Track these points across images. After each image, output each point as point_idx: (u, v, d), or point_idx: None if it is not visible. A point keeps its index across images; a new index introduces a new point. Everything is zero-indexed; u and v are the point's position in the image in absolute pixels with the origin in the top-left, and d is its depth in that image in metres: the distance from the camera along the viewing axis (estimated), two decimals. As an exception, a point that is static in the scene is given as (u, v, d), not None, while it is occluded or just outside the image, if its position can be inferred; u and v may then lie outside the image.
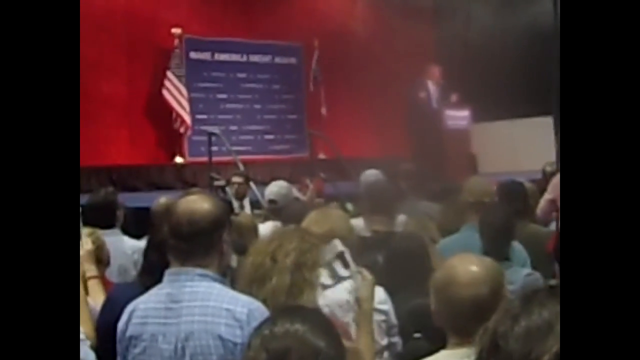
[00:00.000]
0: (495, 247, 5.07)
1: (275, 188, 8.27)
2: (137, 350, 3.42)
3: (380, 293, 4.36)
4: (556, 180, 7.43)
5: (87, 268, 4.92)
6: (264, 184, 10.95)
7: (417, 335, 4.35)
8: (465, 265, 3.16)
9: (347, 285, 4.10)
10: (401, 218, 6.28)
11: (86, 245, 5.01)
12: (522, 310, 1.51)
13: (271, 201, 8.11)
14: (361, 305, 4.03)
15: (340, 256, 4.17)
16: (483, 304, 2.97)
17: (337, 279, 4.14)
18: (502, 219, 5.36)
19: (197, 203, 3.46)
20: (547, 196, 7.33)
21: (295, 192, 9.29)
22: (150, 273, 4.03)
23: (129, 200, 9.57)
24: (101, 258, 5.26)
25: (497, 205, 6.07)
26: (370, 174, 9.23)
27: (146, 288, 3.61)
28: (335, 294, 4.11)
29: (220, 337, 3.26)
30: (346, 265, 4.17)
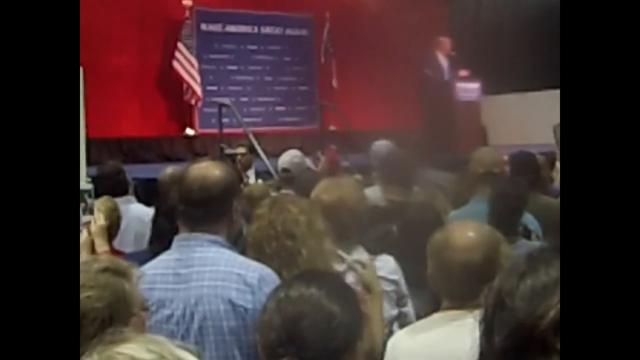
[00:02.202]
0: (505, 222, 4.90)
1: (289, 157, 8.27)
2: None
3: (390, 263, 4.36)
4: None
5: (99, 244, 4.87)
6: (274, 155, 10.96)
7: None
8: (461, 231, 3.22)
9: (350, 278, 4.08)
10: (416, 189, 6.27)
11: (99, 220, 4.96)
12: (527, 269, 1.50)
13: (284, 170, 8.11)
14: (372, 290, 4.04)
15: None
16: (475, 270, 3.02)
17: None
18: (515, 193, 5.31)
19: (209, 170, 3.45)
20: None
21: (309, 163, 9.30)
22: (160, 240, 4.04)
23: (140, 171, 9.61)
24: (112, 232, 5.27)
25: (510, 178, 6.03)
26: (381, 144, 9.20)
27: (156, 255, 3.62)
28: None
29: (231, 302, 3.25)
30: (341, 259, 4.16)
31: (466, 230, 3.21)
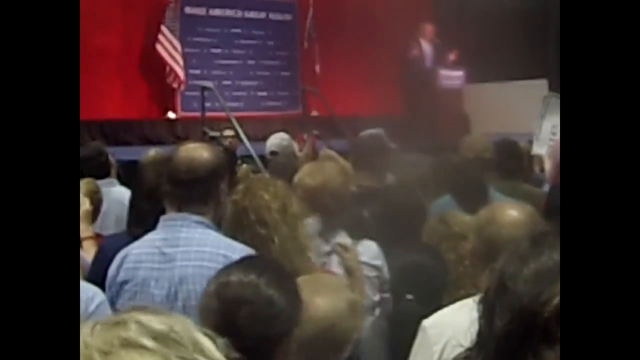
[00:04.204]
0: (469, 204, 4.80)
1: (277, 140, 8.28)
2: (127, 295, 3.41)
3: (373, 248, 4.35)
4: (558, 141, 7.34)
5: (83, 228, 4.80)
6: (256, 140, 10.94)
7: (409, 296, 4.33)
8: (506, 208, 3.27)
9: (334, 259, 4.09)
10: (390, 174, 6.27)
11: (83, 205, 4.91)
12: (531, 252, 1.49)
13: (272, 152, 8.11)
14: (352, 272, 4.04)
15: (319, 233, 4.17)
16: None
17: (323, 255, 4.12)
18: (471, 175, 5.36)
19: (197, 151, 3.46)
20: (554, 156, 7.23)
21: (294, 147, 9.30)
22: (139, 223, 4.02)
23: (121, 153, 9.57)
24: (94, 215, 5.23)
25: (465, 162, 6.04)
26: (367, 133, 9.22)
27: (134, 238, 3.61)
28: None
29: None
30: (327, 239, 4.17)
31: (511, 208, 3.26)
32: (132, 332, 1.14)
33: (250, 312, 2.27)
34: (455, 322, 2.91)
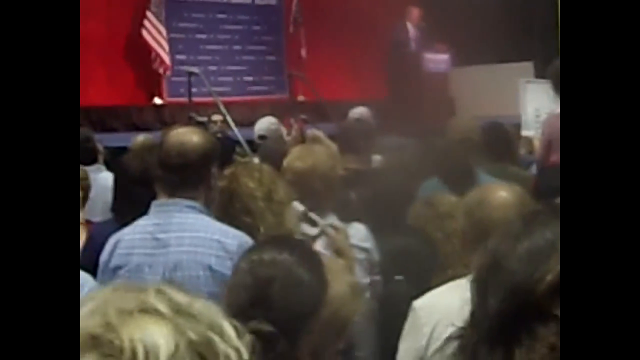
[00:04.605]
0: (456, 186, 4.83)
1: (265, 124, 8.28)
2: (120, 281, 3.40)
3: (362, 230, 4.36)
4: (550, 119, 7.35)
5: None
6: (242, 125, 10.92)
7: (398, 277, 4.36)
8: (495, 190, 3.29)
9: (320, 243, 4.11)
10: (376, 157, 6.29)
11: None
12: (523, 231, 1.49)
13: (261, 137, 8.11)
14: (343, 254, 4.06)
15: (305, 216, 4.17)
16: None
17: (310, 239, 4.13)
18: (458, 157, 5.38)
19: (187, 135, 3.46)
20: (542, 137, 7.24)
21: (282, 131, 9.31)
22: (128, 209, 4.01)
23: (108, 140, 9.56)
24: (84, 203, 5.24)
25: (452, 144, 6.05)
26: (355, 112, 9.23)
27: (124, 224, 3.61)
28: None
29: (211, 268, 3.27)
30: (313, 223, 4.18)
31: (501, 189, 3.27)
32: (151, 298, 1.14)
33: (281, 289, 2.34)
34: (446, 303, 2.93)
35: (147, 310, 1.13)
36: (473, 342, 1.49)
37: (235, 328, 1.19)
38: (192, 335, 1.12)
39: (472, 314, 1.51)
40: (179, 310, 1.15)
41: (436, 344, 3.03)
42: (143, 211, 3.52)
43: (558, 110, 7.10)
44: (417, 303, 3.20)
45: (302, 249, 2.59)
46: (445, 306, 2.91)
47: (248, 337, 1.20)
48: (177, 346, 1.10)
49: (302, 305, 2.35)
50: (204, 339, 1.13)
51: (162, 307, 1.14)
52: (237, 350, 1.17)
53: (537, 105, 11.84)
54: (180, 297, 1.17)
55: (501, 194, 3.22)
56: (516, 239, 1.48)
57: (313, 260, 2.49)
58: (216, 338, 1.15)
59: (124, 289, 1.17)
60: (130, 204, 3.99)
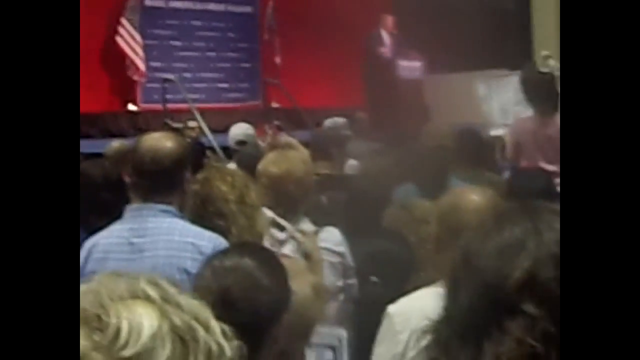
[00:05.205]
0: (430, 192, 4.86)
1: (242, 130, 8.29)
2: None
3: (336, 234, 4.38)
4: (518, 123, 7.41)
5: None
6: (217, 131, 10.92)
7: (374, 279, 4.38)
8: (468, 194, 3.30)
9: (289, 247, 4.13)
10: (351, 162, 6.33)
11: None
12: (494, 228, 1.52)
13: (240, 142, 8.11)
14: (310, 257, 4.07)
15: (273, 222, 4.19)
16: None
17: (278, 244, 4.15)
18: (433, 163, 5.42)
19: (161, 141, 3.47)
20: (510, 139, 7.28)
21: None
22: (99, 214, 3.98)
23: (83, 146, 9.51)
24: None
25: (426, 150, 6.09)
26: (329, 121, 9.30)
27: (97, 229, 3.60)
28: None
29: (187, 271, 3.27)
30: (281, 228, 4.19)
31: (472, 193, 3.29)
32: (142, 284, 1.22)
33: (241, 293, 2.36)
34: (423, 309, 2.92)
35: (137, 295, 1.20)
36: (445, 336, 1.51)
37: (224, 330, 1.26)
38: (177, 321, 1.19)
39: (445, 309, 1.54)
40: (167, 299, 1.22)
41: (413, 351, 3.04)
42: (111, 219, 3.53)
43: (526, 113, 7.21)
44: (392, 309, 3.20)
45: (264, 254, 2.64)
46: (422, 312, 2.90)
47: (237, 343, 1.26)
48: (160, 327, 1.17)
49: (262, 309, 2.37)
50: (186, 326, 1.20)
51: (152, 293, 1.21)
52: (220, 346, 1.22)
53: (502, 103, 11.89)
54: (170, 288, 1.24)
55: (473, 198, 3.23)
56: (486, 236, 1.51)
57: (274, 266, 2.52)
58: (200, 328, 1.21)
59: (117, 276, 1.24)
60: (103, 209, 3.99)
